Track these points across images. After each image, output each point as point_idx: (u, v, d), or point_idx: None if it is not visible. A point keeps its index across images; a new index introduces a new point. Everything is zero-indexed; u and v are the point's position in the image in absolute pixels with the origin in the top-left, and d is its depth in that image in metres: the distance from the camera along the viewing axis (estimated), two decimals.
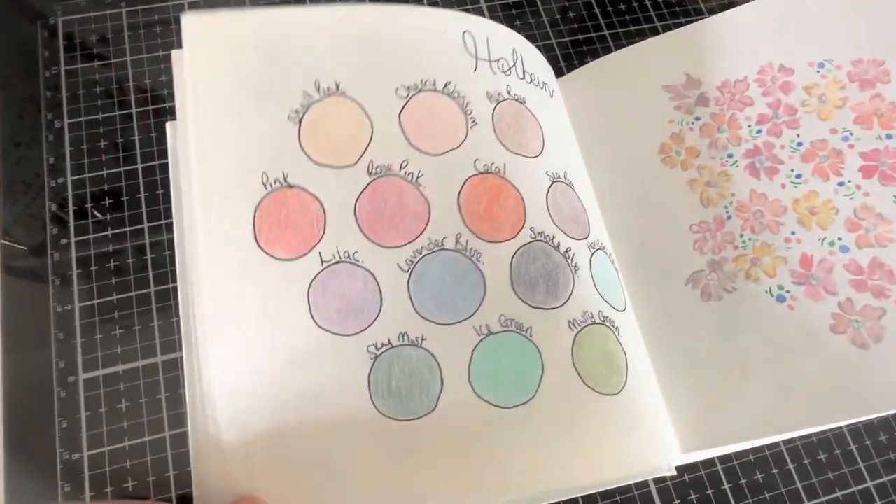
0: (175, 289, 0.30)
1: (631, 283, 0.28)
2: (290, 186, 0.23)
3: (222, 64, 0.24)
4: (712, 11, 0.39)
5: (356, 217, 0.23)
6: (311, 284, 0.22)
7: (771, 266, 0.27)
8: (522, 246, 0.24)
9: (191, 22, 0.24)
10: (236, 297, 0.22)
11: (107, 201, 0.32)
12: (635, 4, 0.40)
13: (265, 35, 0.24)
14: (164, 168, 0.33)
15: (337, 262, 0.23)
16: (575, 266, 0.25)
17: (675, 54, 0.32)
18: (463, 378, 0.22)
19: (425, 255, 0.23)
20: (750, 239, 0.28)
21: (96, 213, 0.32)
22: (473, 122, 0.25)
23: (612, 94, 0.32)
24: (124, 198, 0.32)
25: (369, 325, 0.22)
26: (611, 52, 0.36)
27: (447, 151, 0.25)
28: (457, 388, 0.22)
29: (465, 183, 0.25)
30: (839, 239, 0.27)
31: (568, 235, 0.25)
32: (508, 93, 0.27)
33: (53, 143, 0.33)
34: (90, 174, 0.33)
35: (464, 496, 0.21)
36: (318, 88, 0.24)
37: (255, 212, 0.23)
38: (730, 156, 0.29)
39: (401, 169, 0.24)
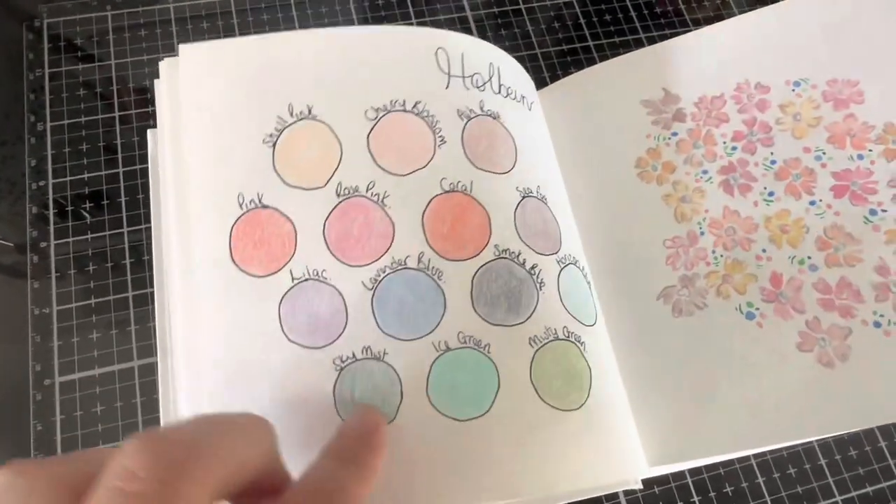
0: (153, 294, 0.30)
1: (604, 296, 0.28)
2: (265, 207, 0.24)
3: (208, 89, 0.25)
4: (698, 24, 0.39)
5: (325, 237, 0.24)
6: (282, 300, 0.24)
7: (741, 283, 0.28)
8: (485, 264, 0.25)
9: (187, 51, 0.26)
10: (211, 311, 0.23)
11: (87, 205, 0.32)
12: (621, 16, 0.40)
13: (249, 63, 0.26)
14: (146, 172, 0.33)
15: (306, 280, 0.24)
16: (540, 282, 0.25)
17: (654, 69, 0.32)
18: (421, 391, 0.23)
19: (388, 275, 0.24)
20: (722, 255, 0.28)
21: (77, 216, 0.32)
22: (442, 140, 0.26)
23: (591, 107, 0.32)
24: (105, 201, 0.32)
25: (335, 340, 0.23)
26: (595, 63, 0.36)
27: (413, 171, 0.25)
28: (415, 399, 0.23)
29: (430, 202, 0.25)
30: (809, 258, 0.27)
31: (535, 251, 0.26)
32: (481, 108, 0.27)
33: (36, 146, 0.33)
34: (72, 177, 0.33)
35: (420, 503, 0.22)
36: (291, 113, 0.25)
37: (231, 231, 0.24)
38: (704, 172, 0.30)
39: (367, 190, 0.25)
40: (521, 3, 0.40)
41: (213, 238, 0.24)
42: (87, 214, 0.32)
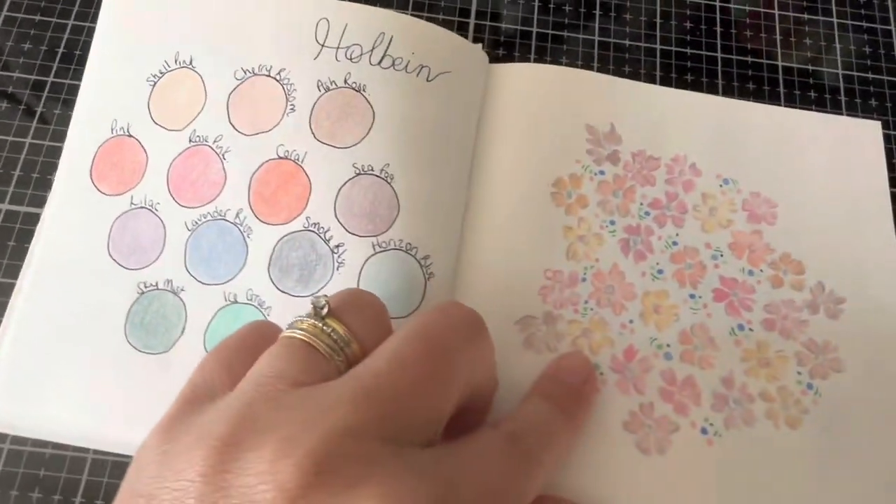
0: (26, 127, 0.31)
1: (461, 300, 0.27)
2: (129, 136, 0.28)
3: (119, 24, 0.29)
4: (774, 71, 0.34)
5: (168, 174, 0.27)
6: (116, 219, 0.27)
7: (598, 343, 0.27)
8: (292, 233, 0.26)
9: None
10: (56, 215, 0.27)
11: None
12: (704, 28, 0.35)
13: (158, 8, 0.29)
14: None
15: (141, 208, 0.27)
16: (341, 262, 0.26)
17: (615, 101, 0.30)
18: (200, 332, 0.26)
19: (208, 221, 0.27)
20: (591, 309, 0.27)
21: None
22: (292, 109, 0.28)
23: (541, 106, 0.30)
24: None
25: (146, 266, 0.26)
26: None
27: (257, 133, 0.27)
28: (192, 339, 0.26)
29: (261, 165, 0.27)
30: (668, 345, 0.27)
31: (347, 231, 0.26)
32: (346, 81, 0.28)
33: None
34: None
35: None
36: (175, 60, 0.29)
37: (98, 149, 0.28)
38: (612, 222, 0.29)
39: (214, 142, 0.27)
40: None
41: (82, 150, 0.28)
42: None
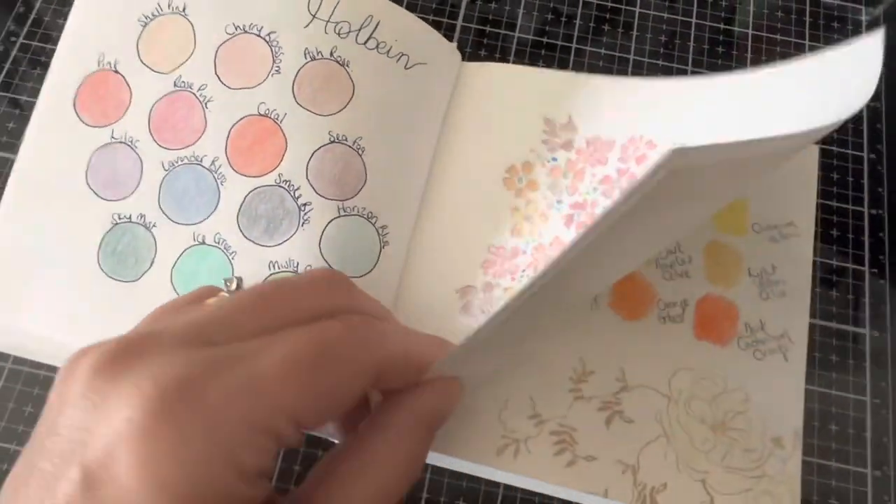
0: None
1: (409, 269, 0.30)
2: (116, 72, 0.30)
3: None
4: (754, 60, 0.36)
5: (150, 115, 0.29)
6: (96, 150, 0.29)
7: None
8: (263, 186, 0.28)
9: None
10: (38, 139, 0.29)
11: None
12: (692, 44, 0.37)
13: None
14: None
15: (121, 142, 0.29)
16: (306, 219, 0.28)
17: (576, 94, 0.32)
18: (167, 267, 0.28)
19: (184, 164, 0.29)
20: (528, 276, 0.28)
21: None
22: (277, 71, 0.29)
23: (503, 100, 0.32)
24: None
25: (122, 199, 0.29)
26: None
27: (241, 88, 0.29)
28: (160, 271, 0.28)
29: (242, 119, 0.29)
30: None
31: (316, 192, 0.28)
32: (331, 54, 0.30)
33: None
34: None
35: None
36: (169, 6, 0.30)
37: (83, 81, 0.29)
38: (559, 202, 0.30)
39: (199, 90, 0.29)
40: None
41: (67, 78, 0.29)
42: None
